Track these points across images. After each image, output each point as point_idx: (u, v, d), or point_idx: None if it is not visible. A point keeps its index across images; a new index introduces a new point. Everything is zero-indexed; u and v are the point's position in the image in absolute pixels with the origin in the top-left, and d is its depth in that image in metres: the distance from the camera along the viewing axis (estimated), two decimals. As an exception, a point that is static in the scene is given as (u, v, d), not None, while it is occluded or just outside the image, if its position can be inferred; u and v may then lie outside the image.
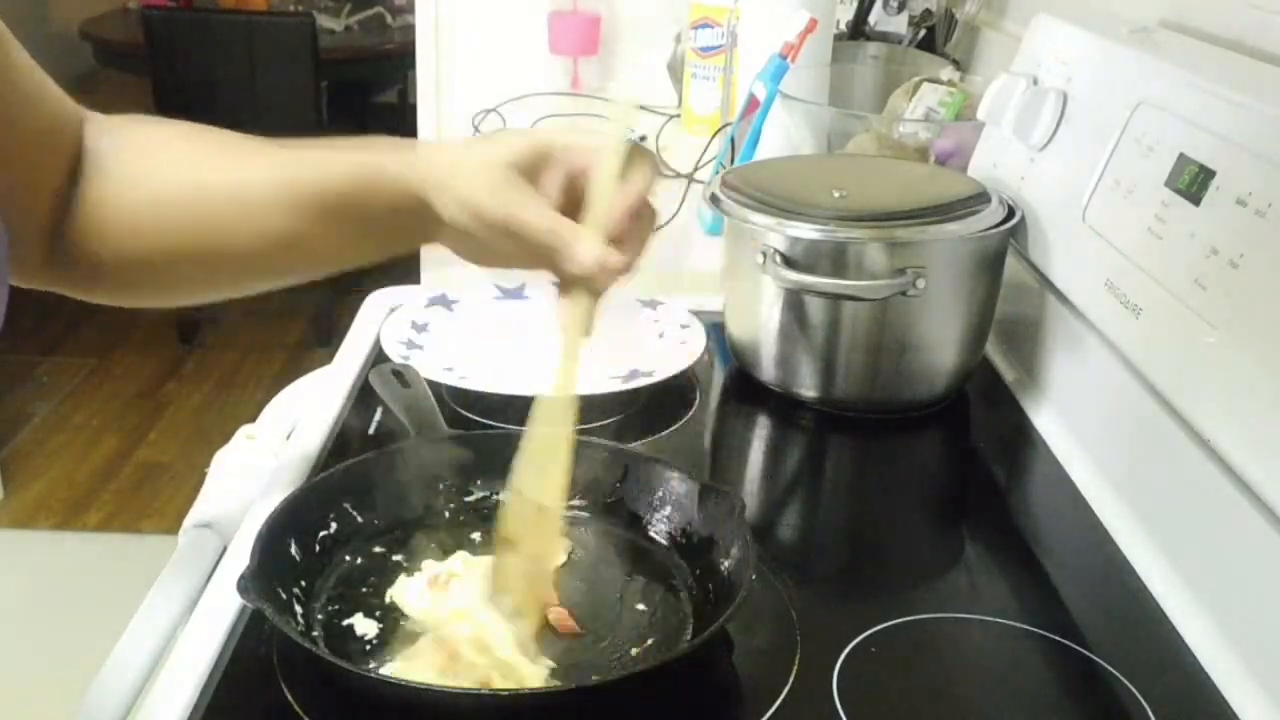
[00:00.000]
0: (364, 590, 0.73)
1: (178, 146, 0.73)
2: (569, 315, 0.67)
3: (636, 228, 0.67)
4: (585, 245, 0.64)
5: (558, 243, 0.65)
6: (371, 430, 0.94)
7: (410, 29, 2.11)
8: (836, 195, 1.00)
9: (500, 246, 0.67)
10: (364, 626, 0.69)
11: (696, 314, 1.09)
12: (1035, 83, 1.05)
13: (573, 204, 0.67)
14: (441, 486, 0.80)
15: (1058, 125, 1.00)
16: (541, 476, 0.69)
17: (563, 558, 0.74)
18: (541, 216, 0.65)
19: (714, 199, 1.01)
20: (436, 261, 1.46)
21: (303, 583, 0.70)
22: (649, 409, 0.98)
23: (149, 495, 2.86)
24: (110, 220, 0.70)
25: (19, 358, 3.41)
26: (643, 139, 1.59)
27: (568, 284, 0.67)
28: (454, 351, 1.03)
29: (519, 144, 0.66)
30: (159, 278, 0.73)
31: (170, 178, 0.71)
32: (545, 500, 0.69)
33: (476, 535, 0.78)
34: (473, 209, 0.66)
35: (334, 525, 0.75)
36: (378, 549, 0.75)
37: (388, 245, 0.74)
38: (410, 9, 2.43)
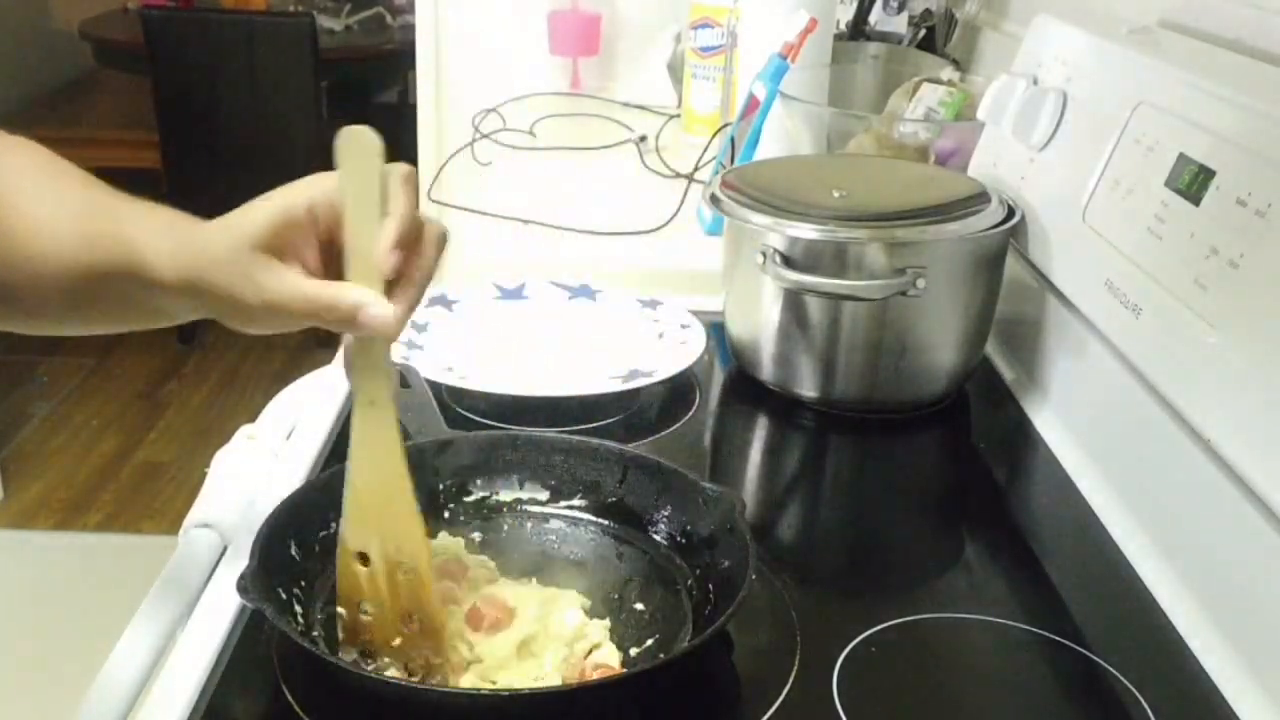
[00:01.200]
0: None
1: (10, 177, 0.68)
2: (362, 357, 0.63)
3: (417, 249, 0.62)
4: (367, 307, 0.60)
5: (334, 314, 0.61)
6: (371, 430, 0.94)
7: (410, 29, 2.11)
8: (836, 195, 1.00)
9: (274, 324, 0.64)
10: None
11: (696, 314, 1.09)
12: (1035, 83, 1.05)
13: (337, 256, 0.63)
14: (441, 486, 0.80)
15: (1058, 125, 1.00)
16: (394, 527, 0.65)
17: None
18: (304, 292, 0.61)
19: (714, 199, 1.01)
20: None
21: (303, 583, 0.70)
22: (649, 409, 0.98)
23: (149, 495, 2.86)
24: None
25: (19, 358, 3.41)
26: (642, 138, 1.60)
27: (356, 340, 0.63)
28: (454, 351, 1.03)
29: (258, 220, 0.62)
30: None
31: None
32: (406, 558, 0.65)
33: (476, 535, 0.78)
34: (233, 301, 0.62)
35: (334, 525, 0.74)
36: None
37: (160, 319, 0.70)
38: (410, 9, 2.43)
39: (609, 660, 0.67)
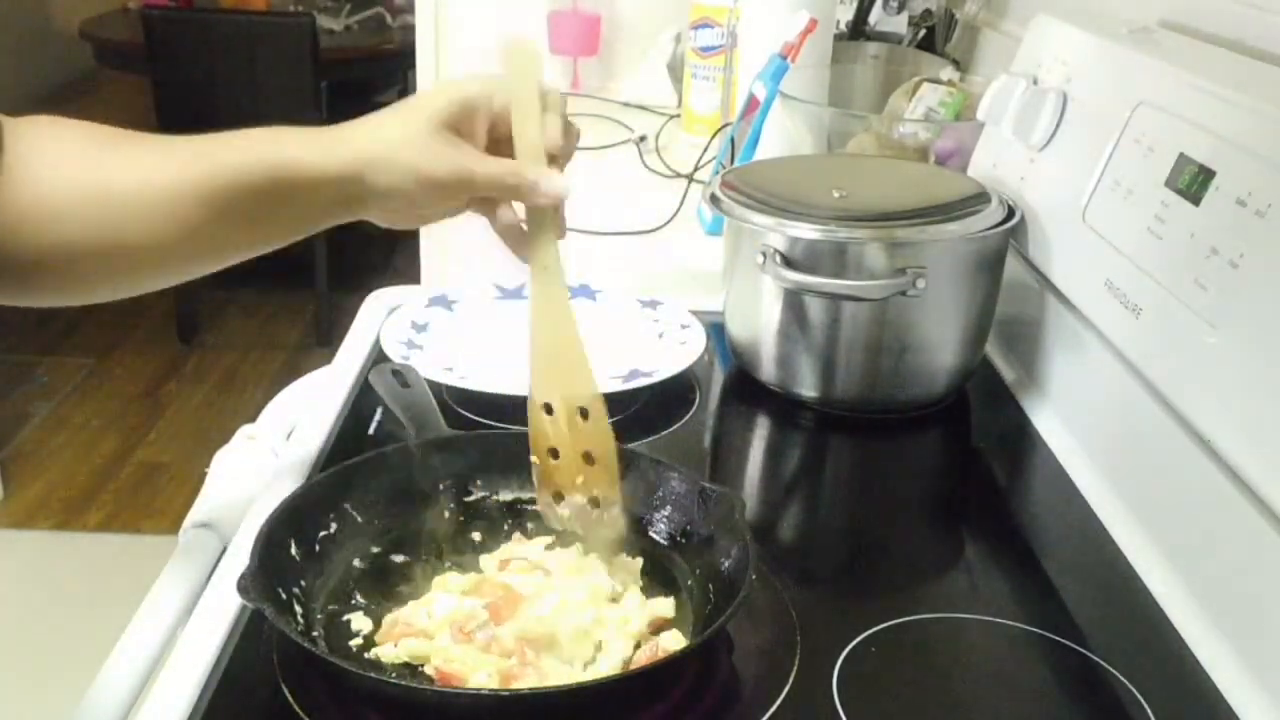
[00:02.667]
0: (363, 590, 0.73)
1: (79, 146, 0.71)
2: (536, 235, 0.73)
3: (565, 145, 0.73)
4: (544, 179, 0.71)
5: (518, 183, 0.71)
6: (371, 430, 0.94)
7: (410, 29, 2.11)
8: (836, 195, 1.00)
9: (444, 202, 0.72)
10: (363, 625, 0.69)
11: (696, 314, 1.09)
12: (1035, 83, 1.05)
13: (495, 142, 0.73)
14: (441, 486, 0.80)
15: (1058, 125, 1.00)
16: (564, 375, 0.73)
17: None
18: (489, 166, 0.71)
19: (714, 199, 1.01)
20: (437, 261, 1.47)
21: (303, 583, 0.70)
22: (649, 409, 0.98)
23: (149, 495, 2.86)
24: (13, 213, 0.68)
25: (19, 358, 3.41)
26: (642, 139, 1.60)
27: (530, 213, 0.72)
28: (454, 351, 1.03)
29: (440, 103, 0.70)
30: (70, 272, 0.71)
31: (72, 177, 0.69)
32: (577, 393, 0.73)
33: (477, 535, 0.78)
34: (420, 176, 0.69)
35: (334, 525, 0.75)
36: (377, 549, 0.75)
37: (300, 231, 0.74)
38: (410, 9, 2.43)
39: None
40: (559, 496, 0.74)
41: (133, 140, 0.72)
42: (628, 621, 0.68)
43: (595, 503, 0.73)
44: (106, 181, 0.69)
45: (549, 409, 0.73)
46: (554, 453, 0.74)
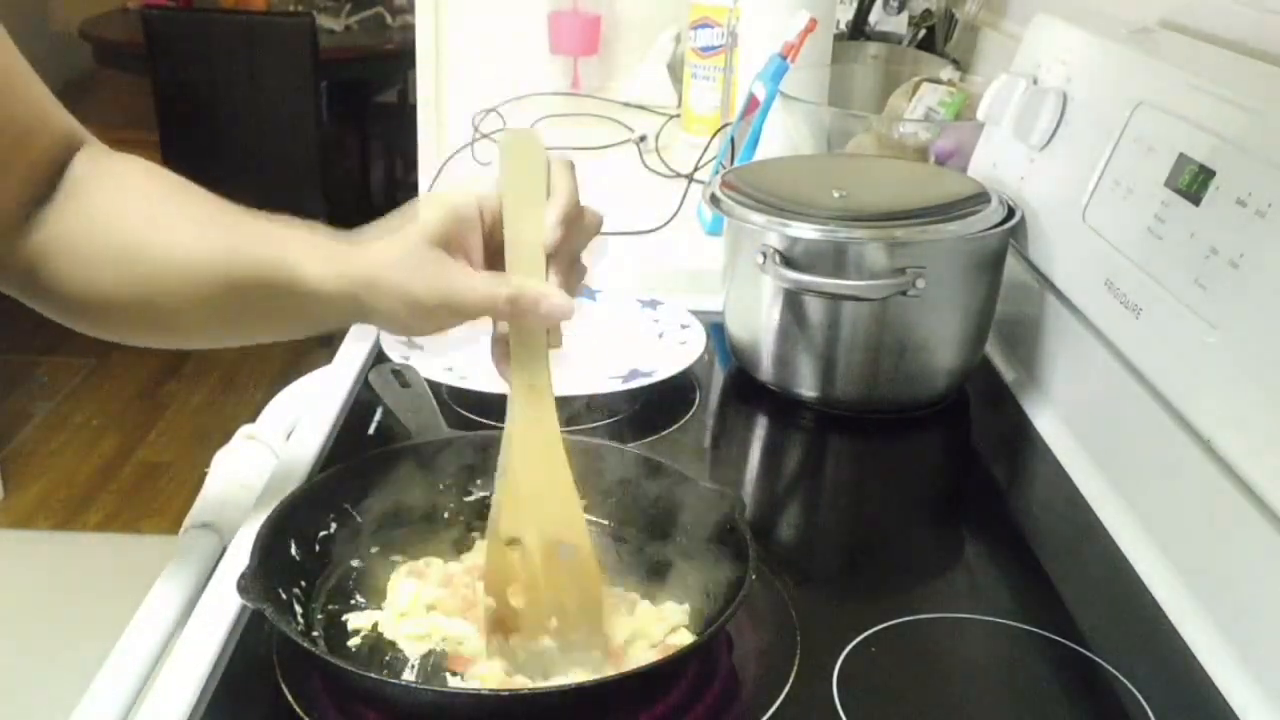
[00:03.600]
0: (363, 590, 0.73)
1: (137, 196, 0.73)
2: (522, 349, 0.66)
3: (574, 237, 0.66)
4: (544, 298, 0.63)
5: (509, 304, 0.64)
6: (371, 430, 0.94)
7: (410, 29, 2.11)
8: (836, 195, 1.00)
9: (442, 322, 0.68)
10: (362, 625, 0.69)
11: (696, 314, 1.09)
12: (1035, 83, 1.05)
13: (495, 253, 0.67)
14: (441, 486, 0.80)
15: (1057, 125, 1.00)
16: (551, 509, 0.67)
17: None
18: (477, 287, 0.65)
19: (714, 199, 1.01)
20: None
21: (303, 583, 0.70)
22: (649, 409, 0.98)
23: (149, 495, 2.86)
24: (61, 253, 0.70)
25: (19, 358, 3.41)
26: (642, 139, 1.60)
27: (517, 327, 0.66)
28: (454, 351, 1.03)
29: (430, 218, 0.66)
30: (105, 317, 0.73)
31: (123, 229, 0.71)
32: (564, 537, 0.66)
33: (477, 535, 0.78)
34: (408, 299, 0.65)
35: (334, 525, 0.75)
36: (377, 549, 0.75)
37: (309, 330, 0.73)
38: (410, 9, 2.43)
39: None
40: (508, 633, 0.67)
41: (182, 201, 0.72)
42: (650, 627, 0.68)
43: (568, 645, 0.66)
44: (142, 243, 0.70)
45: (514, 544, 0.66)
46: (515, 593, 0.67)
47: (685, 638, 0.68)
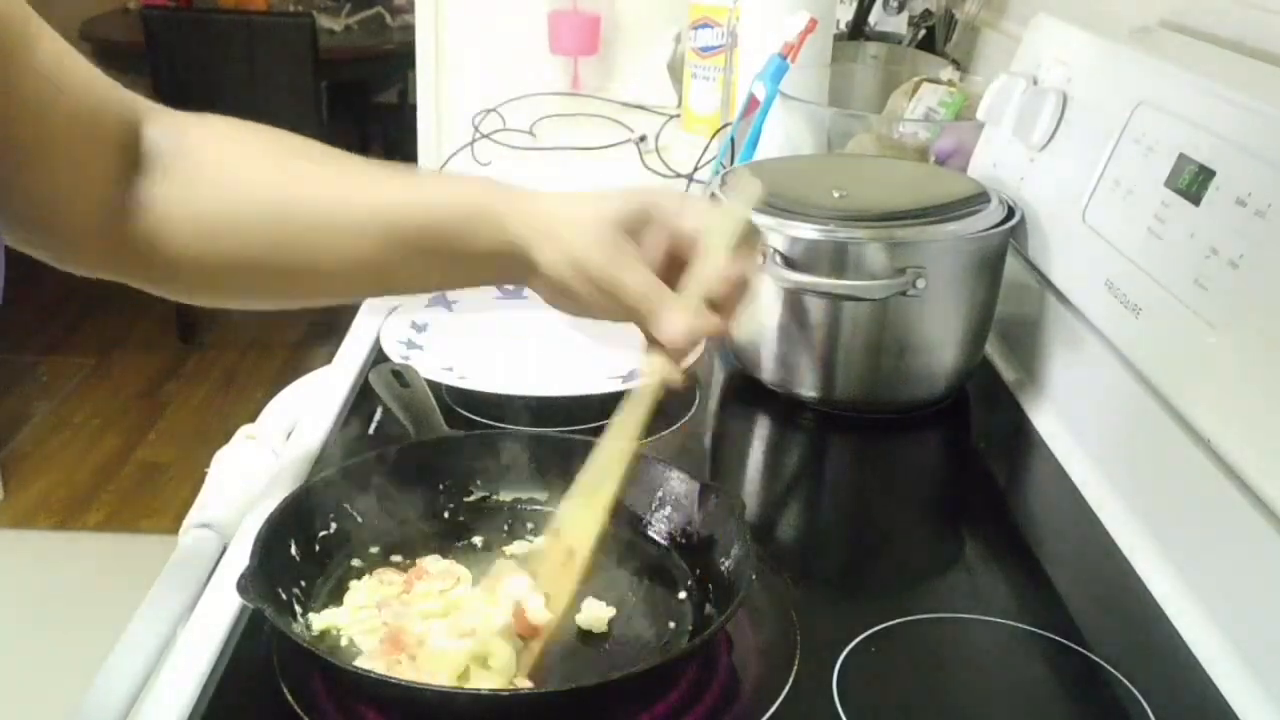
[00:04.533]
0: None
1: (266, 156, 0.72)
2: (647, 372, 0.68)
3: (732, 298, 0.67)
4: (674, 316, 0.65)
5: (649, 308, 0.66)
6: (371, 430, 0.94)
7: (410, 29, 2.11)
8: (836, 195, 1.00)
9: (593, 299, 0.68)
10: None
11: (696, 314, 1.08)
12: (1035, 83, 1.05)
13: (671, 265, 0.68)
14: (441, 486, 0.80)
15: (1058, 125, 1.00)
16: (578, 517, 0.68)
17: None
18: (639, 280, 0.66)
19: (714, 199, 1.01)
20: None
21: (303, 583, 0.70)
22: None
23: (149, 495, 2.86)
24: (184, 222, 0.69)
25: (19, 358, 3.41)
26: (642, 139, 1.60)
27: (652, 342, 0.67)
28: (454, 351, 1.03)
29: (626, 202, 0.67)
30: (237, 283, 0.72)
31: (256, 188, 0.70)
32: (573, 543, 0.68)
33: (478, 540, 0.78)
34: (577, 264, 0.67)
35: (334, 525, 0.75)
36: (377, 549, 0.75)
37: (476, 279, 0.75)
38: (410, 9, 2.42)
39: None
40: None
41: (319, 157, 0.72)
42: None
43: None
44: (287, 200, 0.69)
45: (570, 552, 0.68)
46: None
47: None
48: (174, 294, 0.74)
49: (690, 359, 0.68)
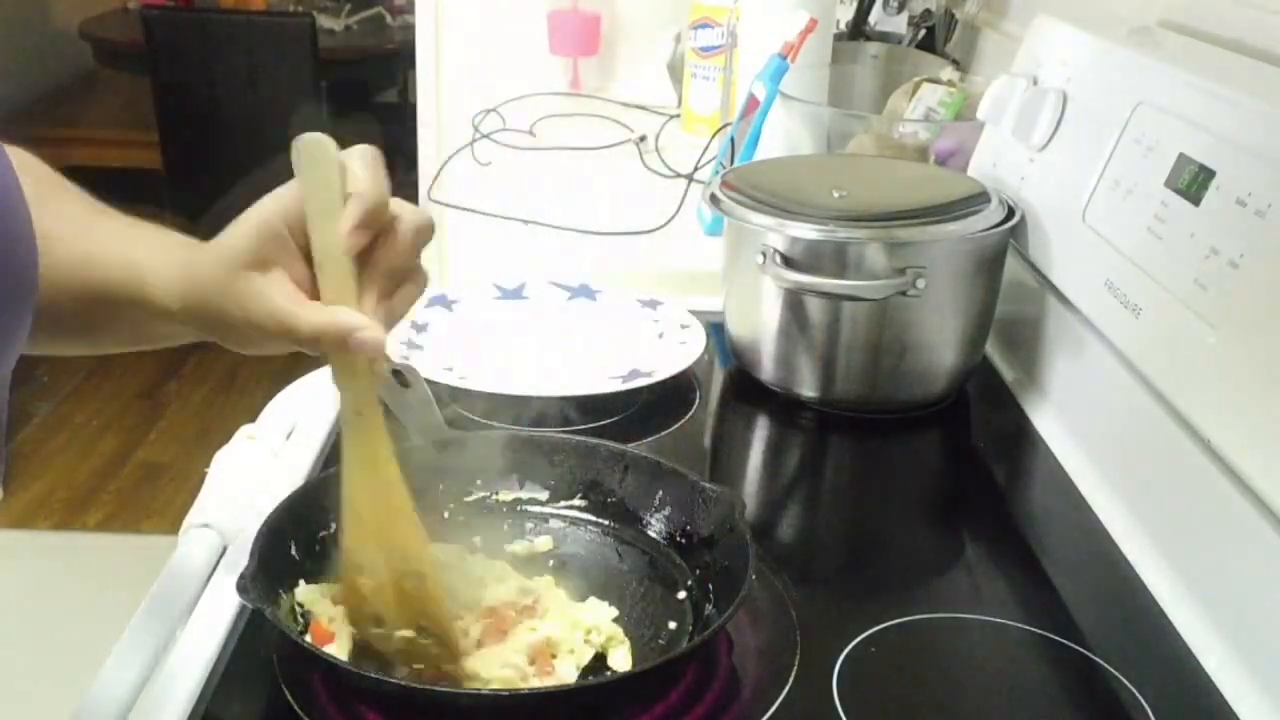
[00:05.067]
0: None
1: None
2: (345, 369, 0.63)
3: (391, 234, 0.59)
4: (335, 333, 0.59)
5: (308, 345, 0.60)
6: (371, 430, 0.94)
7: (410, 29, 2.11)
8: (836, 195, 1.00)
9: (280, 347, 0.62)
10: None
11: (696, 314, 1.09)
12: (1035, 83, 1.05)
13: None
14: (441, 486, 0.79)
15: (1058, 125, 1.00)
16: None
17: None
18: (276, 317, 0.59)
19: (714, 199, 1.01)
20: (436, 262, 1.47)
21: (303, 583, 0.70)
22: (649, 409, 0.98)
23: (149, 495, 2.86)
24: None
25: (19, 358, 3.40)
26: (642, 139, 1.60)
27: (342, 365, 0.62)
28: (454, 351, 1.03)
29: (239, 238, 0.60)
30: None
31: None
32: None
33: (478, 539, 0.77)
34: (224, 326, 0.61)
35: (334, 525, 0.74)
36: (378, 549, 0.75)
37: (162, 343, 0.68)
38: (410, 9, 2.43)
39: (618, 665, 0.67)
40: (384, 668, 0.64)
41: (47, 201, 0.63)
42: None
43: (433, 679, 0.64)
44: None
45: (367, 576, 0.64)
46: (377, 621, 0.64)
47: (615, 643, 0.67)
48: None
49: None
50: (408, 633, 0.63)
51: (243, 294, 0.59)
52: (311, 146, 0.58)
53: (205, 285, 0.60)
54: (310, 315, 0.59)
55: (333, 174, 0.58)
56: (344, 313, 0.59)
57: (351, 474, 0.63)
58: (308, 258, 0.60)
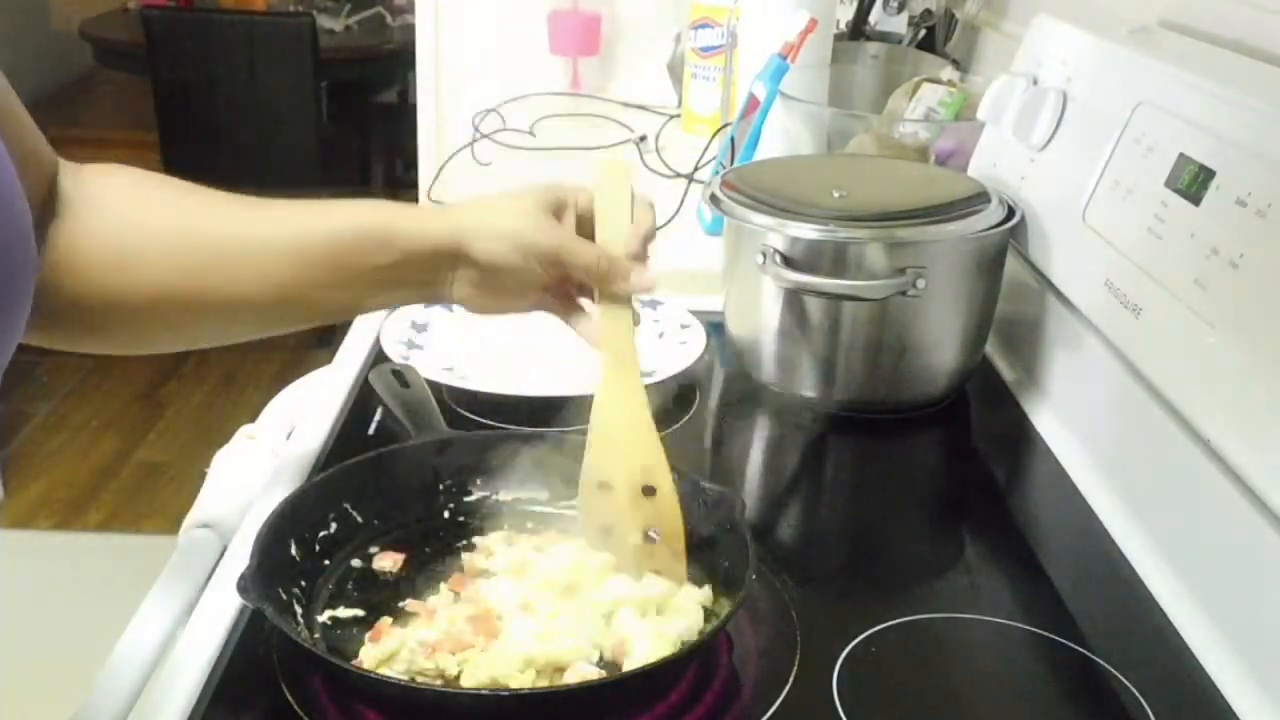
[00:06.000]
0: (363, 590, 0.73)
1: (160, 193, 0.73)
2: (613, 325, 0.74)
3: (643, 252, 0.75)
4: (635, 270, 0.73)
5: (611, 269, 0.73)
6: (371, 430, 0.94)
7: (410, 29, 2.11)
8: (836, 195, 1.00)
9: (532, 279, 0.74)
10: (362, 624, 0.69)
11: (696, 314, 1.09)
12: (1035, 83, 1.05)
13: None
14: (441, 486, 0.80)
15: (1058, 125, 1.00)
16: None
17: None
18: (588, 248, 0.74)
19: (714, 199, 1.01)
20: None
21: (303, 583, 0.70)
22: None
23: (149, 495, 2.86)
24: (89, 255, 0.68)
25: (19, 358, 3.36)
26: (642, 139, 1.60)
27: (606, 301, 0.74)
28: (454, 351, 1.03)
29: (541, 191, 0.75)
30: (143, 319, 0.71)
31: (158, 220, 0.71)
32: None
33: (477, 539, 0.78)
34: (524, 242, 0.73)
35: (334, 525, 0.75)
36: (377, 549, 0.75)
37: (393, 294, 0.78)
38: (410, 9, 2.42)
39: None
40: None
41: (215, 194, 0.74)
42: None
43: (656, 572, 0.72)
44: (193, 229, 0.71)
45: (605, 487, 0.73)
46: (608, 529, 0.73)
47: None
48: (95, 344, 0.74)
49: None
50: (636, 538, 0.72)
51: (539, 225, 0.73)
52: (614, 164, 0.77)
53: (499, 213, 0.74)
54: (594, 248, 0.74)
55: (626, 184, 0.76)
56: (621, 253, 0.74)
57: (607, 397, 0.74)
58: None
